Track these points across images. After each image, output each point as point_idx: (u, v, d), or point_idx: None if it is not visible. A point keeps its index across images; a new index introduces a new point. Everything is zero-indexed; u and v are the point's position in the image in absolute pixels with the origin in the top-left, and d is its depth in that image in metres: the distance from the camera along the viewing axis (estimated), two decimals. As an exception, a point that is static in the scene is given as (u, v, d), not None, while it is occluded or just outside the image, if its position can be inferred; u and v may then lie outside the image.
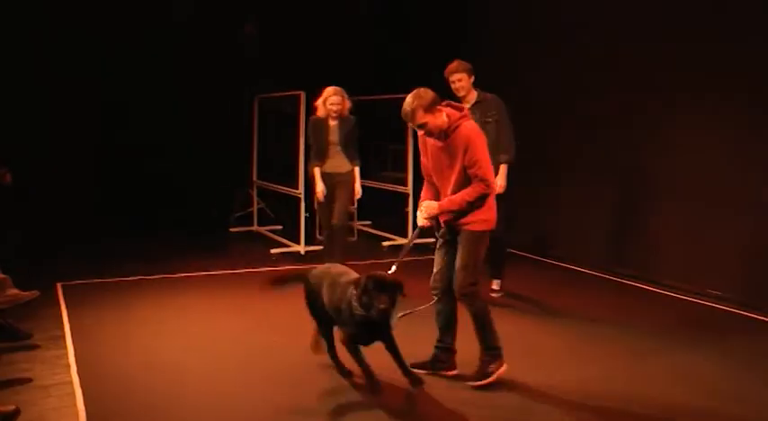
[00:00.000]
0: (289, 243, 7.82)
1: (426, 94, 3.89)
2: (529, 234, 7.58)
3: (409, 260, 7.10)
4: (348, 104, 6.22)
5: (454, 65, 5.62)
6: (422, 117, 3.85)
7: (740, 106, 5.69)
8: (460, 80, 5.58)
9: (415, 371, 3.94)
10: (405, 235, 8.06)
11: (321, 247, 6.78)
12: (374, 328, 3.71)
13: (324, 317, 4.02)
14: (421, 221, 4.09)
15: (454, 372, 4.14)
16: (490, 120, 5.65)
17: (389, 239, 8.21)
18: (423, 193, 4.21)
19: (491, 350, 4.02)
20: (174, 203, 8.96)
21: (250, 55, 8.95)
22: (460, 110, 4.02)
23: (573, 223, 7.30)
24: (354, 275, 3.92)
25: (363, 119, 8.84)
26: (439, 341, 4.19)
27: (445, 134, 3.91)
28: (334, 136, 6.19)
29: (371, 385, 3.75)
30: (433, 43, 9.00)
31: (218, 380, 4.08)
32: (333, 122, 6.18)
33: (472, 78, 5.61)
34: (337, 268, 4.16)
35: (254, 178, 9.02)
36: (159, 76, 8.87)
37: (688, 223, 6.16)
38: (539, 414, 3.65)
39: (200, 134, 9.17)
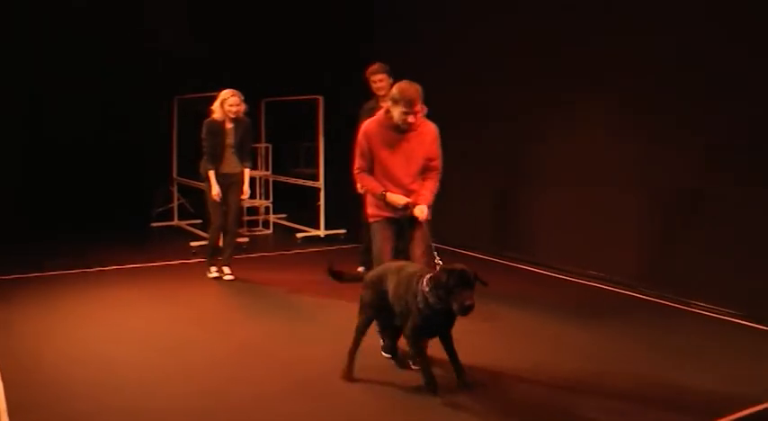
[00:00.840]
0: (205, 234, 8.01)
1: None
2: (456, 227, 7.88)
3: (322, 250, 7.65)
4: (244, 107, 6.18)
5: (375, 66, 5.88)
6: (420, 104, 4.09)
7: (613, 104, 6.16)
8: (381, 80, 5.85)
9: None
10: (317, 226, 8.37)
11: (206, 242, 6.80)
12: (441, 321, 3.70)
13: (385, 312, 3.92)
14: (424, 215, 4.18)
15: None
16: None
17: (303, 231, 8.48)
18: (374, 184, 4.26)
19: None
20: (96, 200, 8.90)
21: (173, 55, 8.97)
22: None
23: (463, 210, 7.65)
24: (415, 267, 3.90)
25: (277, 118, 9.22)
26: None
27: (416, 126, 4.17)
28: (230, 138, 6.16)
29: (429, 381, 3.73)
30: (339, 45, 9.26)
31: (141, 368, 4.13)
32: (229, 125, 6.14)
33: (391, 79, 5.82)
34: (396, 263, 4.05)
35: (175, 175, 9.16)
36: (83, 75, 8.78)
37: (568, 208, 6.64)
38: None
39: (123, 132, 9.14)
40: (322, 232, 8.34)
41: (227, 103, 6.08)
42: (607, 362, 4.33)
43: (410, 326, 3.72)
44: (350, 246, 7.60)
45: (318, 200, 8.30)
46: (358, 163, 4.30)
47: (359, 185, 4.70)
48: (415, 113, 4.08)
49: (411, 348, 3.85)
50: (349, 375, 3.94)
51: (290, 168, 9.08)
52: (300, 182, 8.70)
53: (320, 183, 8.26)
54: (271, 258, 7.42)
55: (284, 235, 8.63)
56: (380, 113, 4.28)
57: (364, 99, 6.11)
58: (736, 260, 5.28)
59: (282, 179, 9.01)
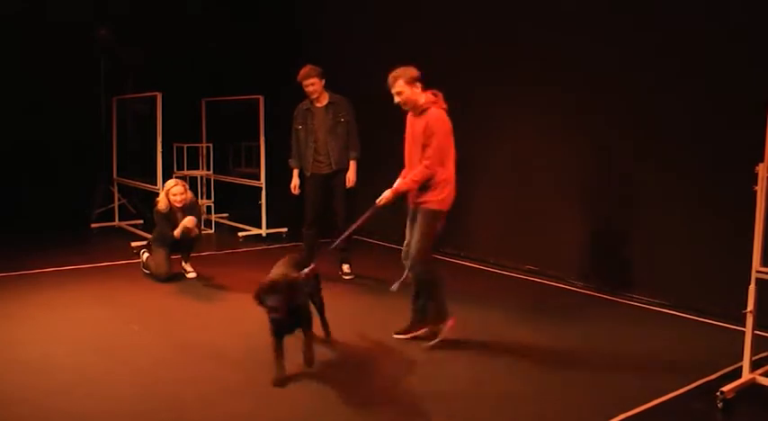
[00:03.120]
0: (147, 235, 7.81)
1: (410, 70, 4.30)
2: (380, 222, 8.02)
3: (264, 248, 7.55)
4: (191, 195, 6.19)
5: (306, 70, 5.81)
6: (400, 86, 4.25)
7: (551, 101, 6.17)
8: (313, 84, 5.81)
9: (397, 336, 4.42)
10: (259, 225, 8.27)
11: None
12: (287, 323, 3.84)
13: None
14: (379, 202, 4.36)
15: (424, 330, 4.47)
16: (342, 120, 5.96)
17: (245, 230, 8.37)
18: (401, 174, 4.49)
19: (439, 314, 4.38)
20: (35, 201, 8.57)
21: (105, 57, 8.74)
22: (435, 95, 4.35)
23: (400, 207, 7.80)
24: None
25: (218, 118, 9.05)
26: (413, 304, 4.53)
27: (421, 111, 4.29)
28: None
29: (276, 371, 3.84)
30: (280, 45, 9.18)
31: (83, 371, 3.99)
32: (178, 212, 6.07)
33: (323, 81, 5.85)
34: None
35: (115, 175, 8.89)
36: (20, 75, 8.43)
37: (501, 204, 6.70)
38: (385, 371, 4.05)
39: (62, 133, 8.84)
40: (264, 231, 8.24)
41: (170, 193, 6.08)
42: (541, 354, 4.39)
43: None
44: (291, 244, 7.53)
45: (260, 198, 8.20)
46: None
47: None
48: (396, 95, 4.30)
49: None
50: (278, 379, 3.84)
51: (231, 168, 8.93)
52: (242, 181, 8.57)
53: (262, 183, 8.16)
54: (213, 257, 7.28)
55: (226, 234, 8.49)
56: None
57: (304, 97, 6.05)
58: (664, 252, 5.42)
59: (224, 178, 8.86)
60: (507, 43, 6.51)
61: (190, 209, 6.17)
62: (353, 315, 5.18)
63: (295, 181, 6.19)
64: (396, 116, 4.65)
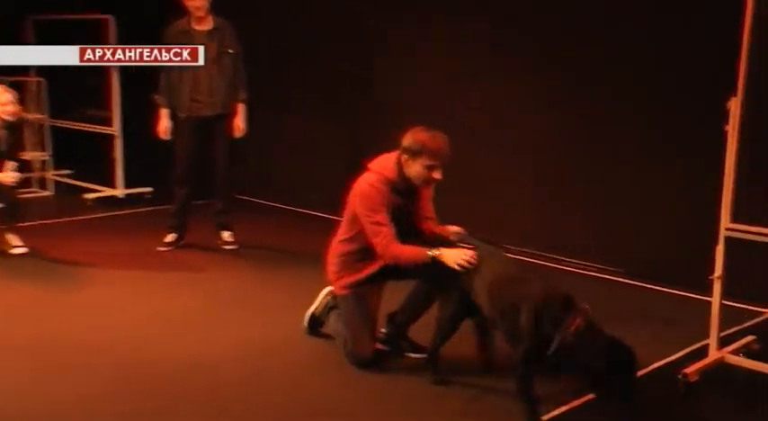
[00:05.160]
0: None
1: None
2: (258, 178, 8.02)
3: (122, 213, 7.32)
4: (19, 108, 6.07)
5: None
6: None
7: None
8: None
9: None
10: (113, 185, 7.97)
11: None
12: None
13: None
14: None
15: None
16: (231, 51, 5.90)
17: (95, 191, 8.07)
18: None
19: None
20: None
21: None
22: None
23: (295, 167, 7.84)
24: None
25: (52, 43, 8.54)
26: None
27: None
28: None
29: None
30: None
31: None
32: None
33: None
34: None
35: None
36: None
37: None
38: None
39: None
40: (120, 192, 7.99)
41: None
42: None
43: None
44: (157, 207, 7.34)
45: (113, 150, 7.91)
46: None
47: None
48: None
49: None
50: None
51: (73, 110, 8.52)
52: (88, 127, 8.20)
53: (115, 129, 7.84)
54: (51, 228, 6.95)
55: (69, 196, 8.15)
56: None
57: (173, 17, 5.86)
58: (615, 211, 5.60)
59: (64, 124, 8.45)
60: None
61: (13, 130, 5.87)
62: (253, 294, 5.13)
63: (164, 123, 6.00)
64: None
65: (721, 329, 3.82)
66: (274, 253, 6.20)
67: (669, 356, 4.05)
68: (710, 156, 3.88)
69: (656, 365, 3.94)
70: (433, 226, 4.05)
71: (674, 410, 3.56)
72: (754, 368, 3.77)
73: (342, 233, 4.08)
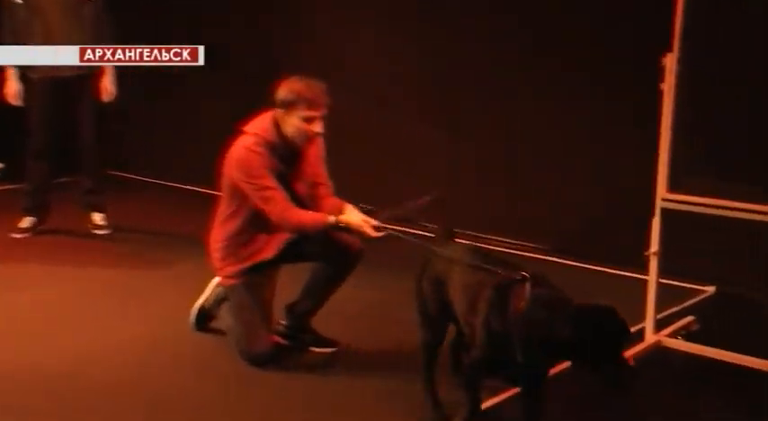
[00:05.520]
0: None
1: None
2: (138, 153, 7.76)
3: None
4: None
5: None
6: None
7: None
8: None
9: None
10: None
11: None
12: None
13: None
14: None
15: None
16: None
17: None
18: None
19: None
20: None
21: None
22: None
23: (176, 137, 7.57)
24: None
25: None
26: None
27: None
28: None
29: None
30: None
31: None
32: None
33: None
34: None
35: None
36: None
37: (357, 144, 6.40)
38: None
39: None
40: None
41: None
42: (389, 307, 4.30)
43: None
44: (10, 187, 6.92)
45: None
46: None
47: None
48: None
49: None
50: None
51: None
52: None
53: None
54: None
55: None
56: None
57: None
58: (534, 189, 5.55)
59: None
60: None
61: None
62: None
63: (13, 86, 5.55)
64: None
65: (659, 310, 3.79)
66: (154, 236, 5.89)
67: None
68: (645, 119, 3.82)
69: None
70: (327, 193, 3.76)
71: (609, 400, 3.40)
72: (693, 351, 3.75)
73: (222, 211, 3.75)
